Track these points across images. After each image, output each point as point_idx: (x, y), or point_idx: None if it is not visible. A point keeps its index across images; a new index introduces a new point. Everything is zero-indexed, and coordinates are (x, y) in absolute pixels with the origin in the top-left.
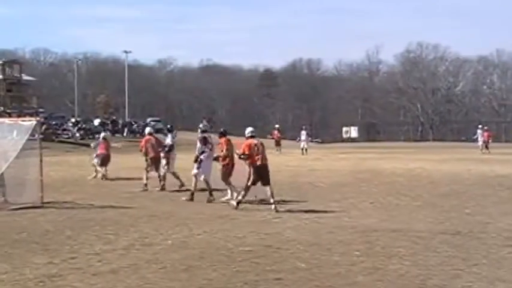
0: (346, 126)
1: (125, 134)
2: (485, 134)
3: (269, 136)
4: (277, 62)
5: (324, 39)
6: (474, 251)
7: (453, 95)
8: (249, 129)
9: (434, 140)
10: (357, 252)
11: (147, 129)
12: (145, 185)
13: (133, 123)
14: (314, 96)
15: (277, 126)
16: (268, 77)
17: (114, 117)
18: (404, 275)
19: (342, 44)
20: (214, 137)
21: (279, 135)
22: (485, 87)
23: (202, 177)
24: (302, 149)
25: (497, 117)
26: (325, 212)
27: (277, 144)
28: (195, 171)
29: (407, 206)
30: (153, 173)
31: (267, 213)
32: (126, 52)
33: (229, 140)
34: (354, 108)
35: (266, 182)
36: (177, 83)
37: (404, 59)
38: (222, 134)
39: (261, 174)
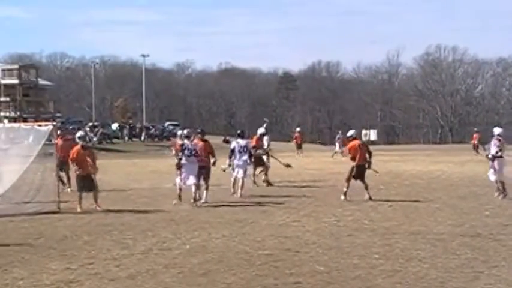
0: (366, 129)
1: (142, 139)
2: (474, 136)
3: (292, 140)
4: (296, 64)
5: (343, 42)
6: (494, 253)
7: (472, 97)
8: (351, 132)
9: (453, 142)
10: (376, 255)
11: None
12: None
13: (151, 127)
14: (333, 99)
15: (298, 129)
16: (287, 80)
17: (131, 122)
18: (423, 277)
19: (361, 46)
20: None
21: (300, 138)
22: (504, 89)
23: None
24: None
25: None
26: (345, 215)
27: (299, 147)
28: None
29: (427, 208)
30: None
31: (286, 217)
32: (143, 56)
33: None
34: (373, 111)
35: (362, 178)
36: (195, 87)
37: (423, 62)
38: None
39: (359, 172)
